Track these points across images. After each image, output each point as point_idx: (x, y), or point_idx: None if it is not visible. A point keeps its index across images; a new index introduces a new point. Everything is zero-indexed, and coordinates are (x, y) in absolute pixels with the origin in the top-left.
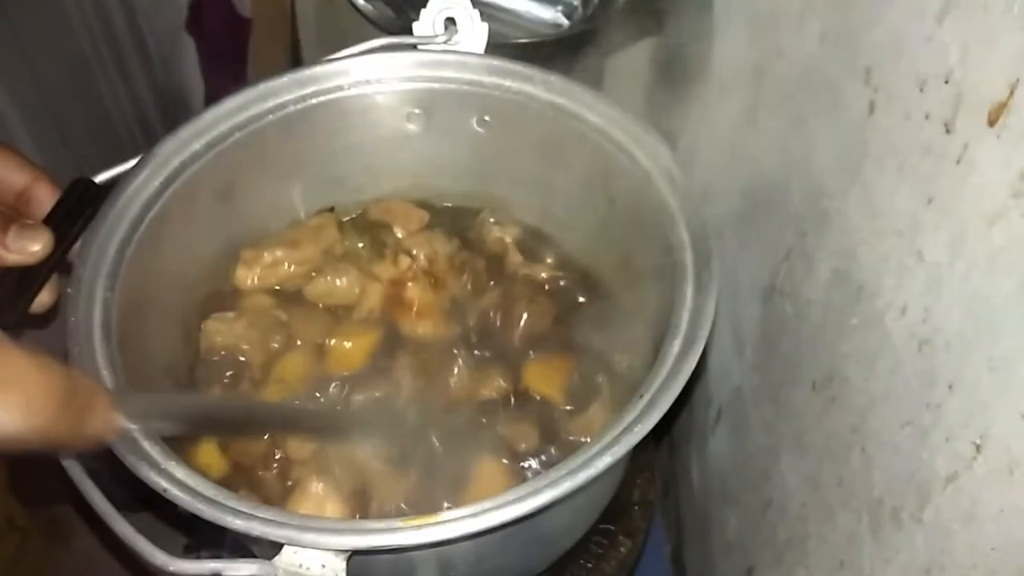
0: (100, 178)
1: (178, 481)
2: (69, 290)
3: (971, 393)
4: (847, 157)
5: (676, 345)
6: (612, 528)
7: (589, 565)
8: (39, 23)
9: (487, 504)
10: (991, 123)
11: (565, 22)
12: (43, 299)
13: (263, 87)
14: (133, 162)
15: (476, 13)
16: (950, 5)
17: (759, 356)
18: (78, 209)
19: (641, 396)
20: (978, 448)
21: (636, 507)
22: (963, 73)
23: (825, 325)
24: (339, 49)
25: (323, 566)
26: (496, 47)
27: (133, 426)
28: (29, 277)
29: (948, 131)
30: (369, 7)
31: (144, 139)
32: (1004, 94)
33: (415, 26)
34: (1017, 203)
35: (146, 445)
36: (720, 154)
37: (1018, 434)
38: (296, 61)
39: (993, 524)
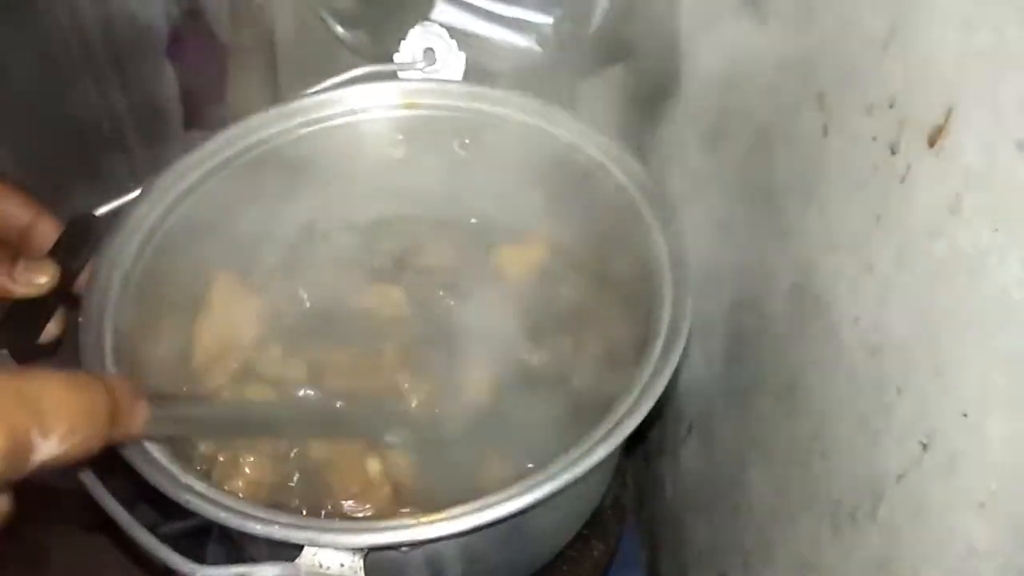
0: (100, 211)
1: (199, 494)
2: (80, 319)
3: (918, 396)
4: (804, 177)
5: (660, 342)
6: (585, 532)
7: (564, 568)
8: (18, 46)
9: (496, 496)
10: (931, 145)
11: (539, 50)
12: (51, 330)
13: (254, 119)
14: (130, 196)
15: (454, 43)
16: (895, 32)
17: (726, 369)
18: (80, 242)
19: (631, 391)
20: (924, 447)
21: (608, 511)
22: (906, 98)
23: (786, 337)
24: (318, 73)
25: (342, 565)
26: (474, 74)
27: (162, 429)
28: (37, 309)
29: (893, 152)
30: (348, 35)
31: (124, 164)
32: (941, 118)
33: (395, 56)
34: (954, 219)
35: (165, 462)
36: (687, 176)
37: (959, 432)
38: (275, 86)
39: (938, 518)
